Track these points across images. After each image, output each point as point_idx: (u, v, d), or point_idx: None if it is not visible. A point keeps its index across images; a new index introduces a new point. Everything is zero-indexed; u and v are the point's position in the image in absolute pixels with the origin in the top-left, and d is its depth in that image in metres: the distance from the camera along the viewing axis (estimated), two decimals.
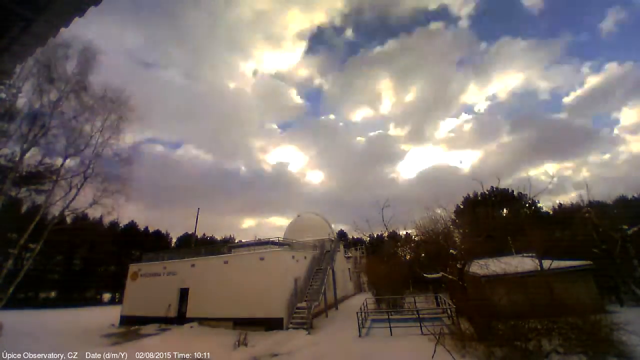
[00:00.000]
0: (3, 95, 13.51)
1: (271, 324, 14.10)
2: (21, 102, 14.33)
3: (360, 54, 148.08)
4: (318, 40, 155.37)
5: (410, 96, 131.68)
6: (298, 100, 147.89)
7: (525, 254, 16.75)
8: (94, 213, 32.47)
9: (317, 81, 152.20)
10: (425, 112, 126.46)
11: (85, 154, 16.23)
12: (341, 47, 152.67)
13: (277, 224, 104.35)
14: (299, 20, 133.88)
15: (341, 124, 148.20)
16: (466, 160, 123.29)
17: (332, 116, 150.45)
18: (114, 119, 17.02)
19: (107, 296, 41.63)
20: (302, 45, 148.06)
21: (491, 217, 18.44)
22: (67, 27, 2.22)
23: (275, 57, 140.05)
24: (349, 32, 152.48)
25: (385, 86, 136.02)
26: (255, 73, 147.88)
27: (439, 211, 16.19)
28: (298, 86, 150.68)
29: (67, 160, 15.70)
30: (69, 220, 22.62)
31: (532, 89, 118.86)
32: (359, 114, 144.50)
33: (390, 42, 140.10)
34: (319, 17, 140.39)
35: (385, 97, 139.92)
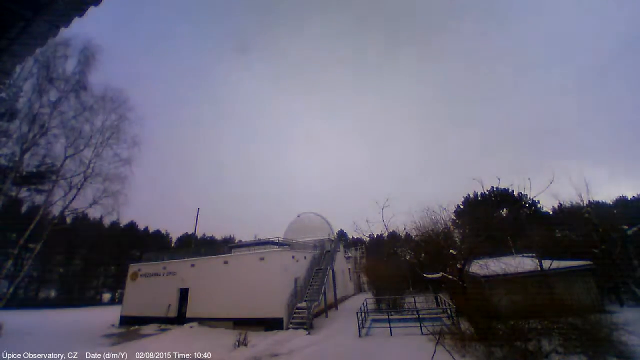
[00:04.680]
0: (3, 95, 13.50)
1: (271, 324, 14.10)
2: (21, 101, 14.34)
3: None
4: None
5: None
6: None
7: (525, 254, 16.75)
8: (94, 213, 32.52)
9: None
10: None
11: (85, 154, 16.25)
12: None
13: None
14: None
15: None
16: None
17: None
18: (114, 118, 17.05)
19: (107, 296, 41.62)
20: None
21: (491, 217, 18.45)
22: (67, 27, 2.22)
23: None
24: None
25: None
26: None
27: (439, 211, 16.17)
28: None
29: (67, 160, 15.70)
30: (69, 220, 22.63)
31: None
32: None
33: None
34: None
35: None
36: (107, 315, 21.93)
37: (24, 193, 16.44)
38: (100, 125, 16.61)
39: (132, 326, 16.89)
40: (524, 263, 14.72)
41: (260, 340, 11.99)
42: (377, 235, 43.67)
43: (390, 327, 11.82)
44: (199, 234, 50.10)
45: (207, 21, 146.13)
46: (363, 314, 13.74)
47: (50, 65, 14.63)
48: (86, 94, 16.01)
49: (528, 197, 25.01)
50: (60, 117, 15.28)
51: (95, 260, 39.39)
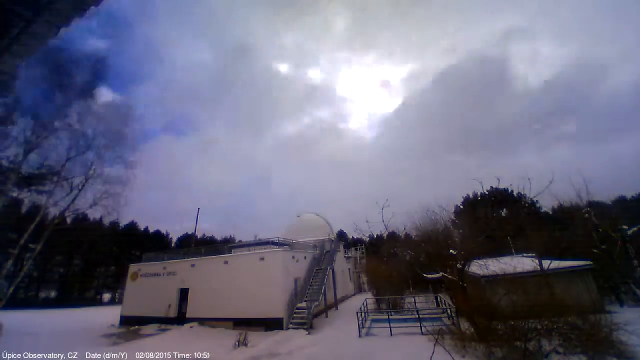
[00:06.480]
0: (6, 99, 13.49)
1: (271, 324, 14.10)
2: (25, 105, 14.33)
3: None
4: None
5: None
6: None
7: (525, 254, 16.75)
8: (94, 213, 32.47)
9: None
10: None
11: (87, 156, 16.23)
12: None
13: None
14: None
15: None
16: None
17: None
18: (117, 122, 17.04)
19: (107, 296, 41.68)
20: None
21: (491, 217, 18.44)
22: (68, 27, 2.23)
23: None
24: None
25: None
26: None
27: (439, 211, 16.14)
28: None
29: (69, 162, 15.69)
30: (69, 220, 22.62)
31: None
32: None
33: None
34: None
35: None
36: (107, 315, 21.94)
37: (24, 193, 16.41)
38: (104, 129, 16.61)
39: (132, 326, 16.90)
40: (523, 263, 14.73)
41: (260, 340, 11.99)
42: (377, 235, 43.67)
43: (390, 327, 11.82)
44: (199, 234, 50.13)
45: (212, 18, 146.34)
46: (363, 314, 13.73)
47: (56, 70, 14.60)
48: (91, 98, 16.02)
49: (528, 197, 24.97)
50: (64, 120, 15.27)
51: (95, 260, 39.43)
